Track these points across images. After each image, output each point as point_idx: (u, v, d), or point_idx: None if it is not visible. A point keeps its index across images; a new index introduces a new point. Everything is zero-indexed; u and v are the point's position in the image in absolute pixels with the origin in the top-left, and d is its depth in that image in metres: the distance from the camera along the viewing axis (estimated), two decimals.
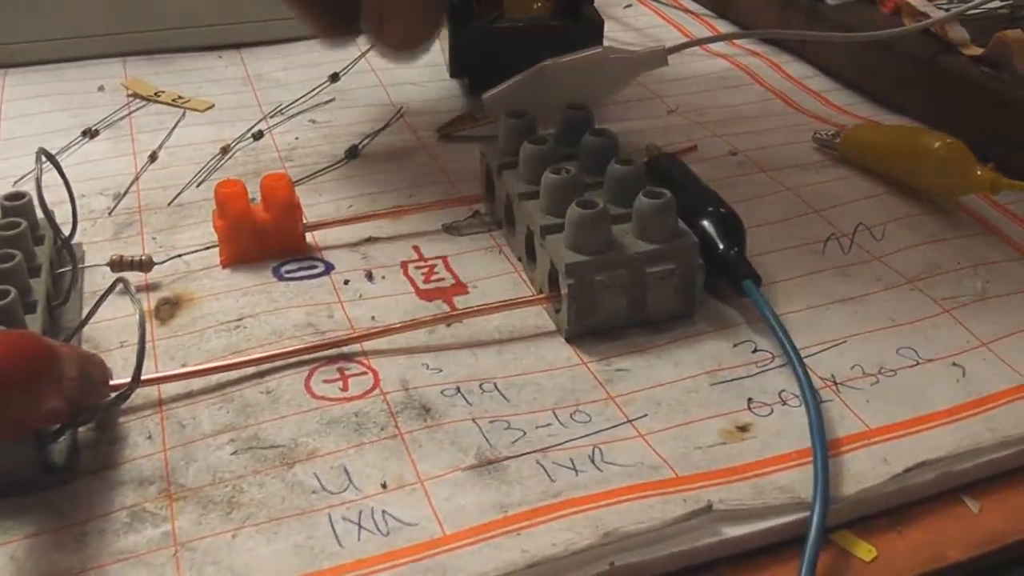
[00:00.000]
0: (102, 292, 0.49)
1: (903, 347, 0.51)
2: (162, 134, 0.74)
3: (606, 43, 0.77)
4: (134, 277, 0.56)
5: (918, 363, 0.50)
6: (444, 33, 0.77)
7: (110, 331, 0.53)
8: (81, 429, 0.46)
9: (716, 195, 0.56)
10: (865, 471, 0.44)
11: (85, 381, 0.44)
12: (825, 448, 0.43)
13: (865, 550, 0.42)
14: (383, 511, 0.42)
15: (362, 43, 0.83)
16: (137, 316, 0.45)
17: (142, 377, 0.46)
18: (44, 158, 0.53)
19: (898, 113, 0.75)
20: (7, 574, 0.40)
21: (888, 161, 0.64)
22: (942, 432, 0.46)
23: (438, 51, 0.83)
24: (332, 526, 0.42)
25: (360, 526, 0.41)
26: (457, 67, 0.77)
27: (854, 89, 0.80)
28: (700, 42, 0.82)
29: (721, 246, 0.53)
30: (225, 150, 0.71)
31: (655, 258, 0.50)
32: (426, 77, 0.83)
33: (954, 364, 0.50)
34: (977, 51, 0.71)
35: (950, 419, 0.46)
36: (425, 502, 0.42)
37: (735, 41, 0.89)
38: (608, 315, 0.51)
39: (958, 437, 0.45)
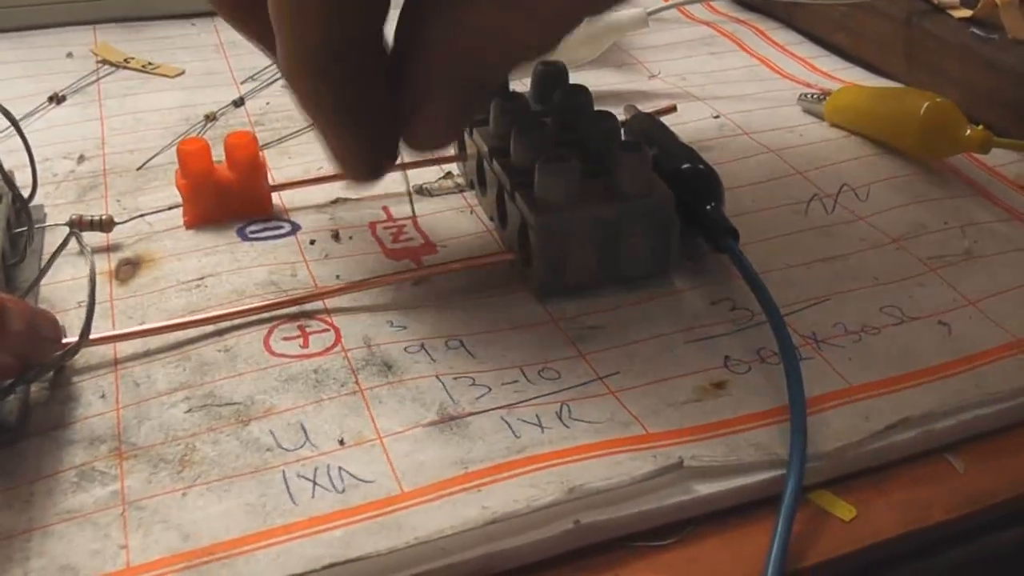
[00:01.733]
0: (62, 253, 0.47)
1: (887, 305, 0.49)
2: (130, 100, 0.72)
3: None
4: (95, 237, 0.55)
5: (903, 321, 0.48)
6: None
7: (68, 291, 0.51)
8: (33, 388, 0.44)
9: (693, 152, 0.55)
10: (845, 428, 0.42)
11: (33, 336, 0.42)
12: (803, 403, 0.42)
13: (844, 509, 0.40)
14: (339, 468, 0.40)
15: None
16: (88, 270, 0.43)
17: (98, 335, 0.45)
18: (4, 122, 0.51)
19: (886, 77, 0.73)
20: None
21: (876, 122, 0.62)
22: (926, 389, 0.44)
23: None
24: (286, 483, 0.40)
25: (315, 483, 0.40)
26: None
27: (841, 54, 0.78)
28: (680, 3, 0.80)
29: (699, 202, 0.51)
30: (210, 117, 0.69)
31: (629, 213, 0.49)
32: None
33: (940, 323, 0.48)
34: (966, 13, 0.69)
35: (935, 377, 0.45)
36: (383, 459, 0.41)
37: (719, 8, 0.87)
38: (580, 272, 0.49)
39: (943, 394, 0.44)
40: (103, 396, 0.45)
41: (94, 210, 0.58)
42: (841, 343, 0.47)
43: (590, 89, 0.56)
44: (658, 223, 0.49)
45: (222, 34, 0.84)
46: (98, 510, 0.39)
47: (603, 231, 0.48)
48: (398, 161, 0.47)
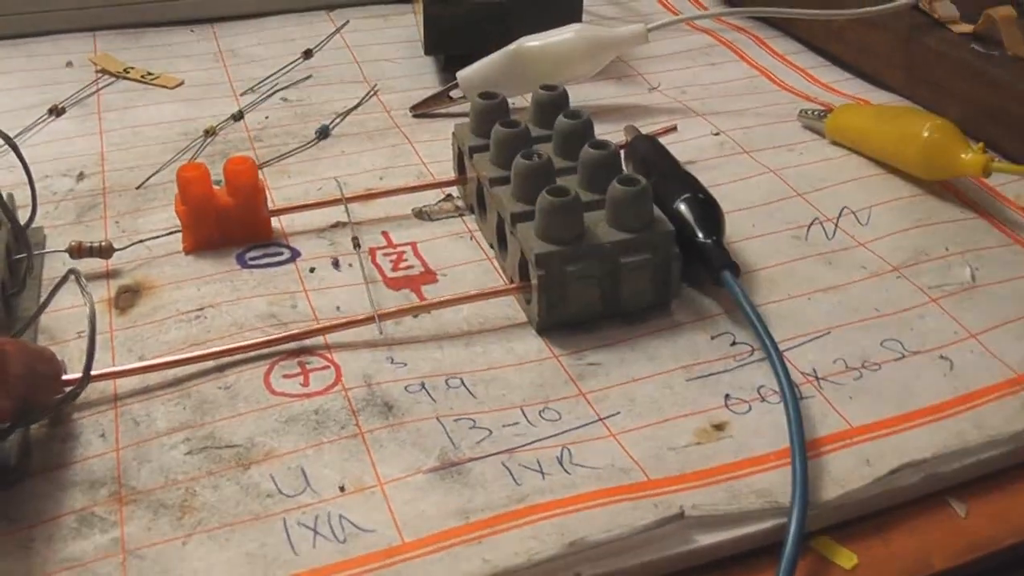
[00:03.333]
0: (59, 279, 0.47)
1: (888, 339, 0.49)
2: (129, 112, 0.72)
3: (585, 18, 0.75)
4: (94, 264, 0.55)
5: (904, 356, 0.48)
6: (421, 9, 0.74)
7: (68, 321, 0.51)
8: (32, 427, 0.44)
9: (694, 180, 0.55)
10: (847, 473, 0.42)
11: (33, 378, 0.42)
12: (804, 450, 0.41)
13: (846, 557, 0.40)
14: (340, 516, 0.40)
15: (335, 17, 0.81)
16: (88, 311, 0.43)
17: (96, 372, 0.45)
18: (2, 141, 0.51)
19: (885, 91, 0.73)
20: None
21: (877, 142, 0.62)
22: (928, 431, 0.44)
23: (414, 27, 0.81)
24: (287, 532, 0.40)
25: (316, 532, 0.40)
26: (431, 43, 0.75)
27: (841, 66, 0.78)
28: (682, 20, 0.80)
29: (699, 234, 0.51)
30: (209, 132, 0.68)
31: (629, 247, 0.48)
32: (401, 53, 0.81)
33: (941, 357, 0.48)
34: (966, 28, 0.69)
35: (936, 416, 0.45)
36: (384, 507, 0.40)
37: (720, 17, 0.86)
38: (580, 307, 0.49)
39: (944, 436, 0.44)
40: (103, 435, 0.44)
41: (93, 232, 0.58)
42: (842, 380, 0.47)
43: (590, 103, 0.56)
44: (659, 257, 0.49)
45: (221, 41, 0.83)
46: (98, 558, 0.39)
47: (604, 266, 0.48)
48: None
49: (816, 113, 0.66)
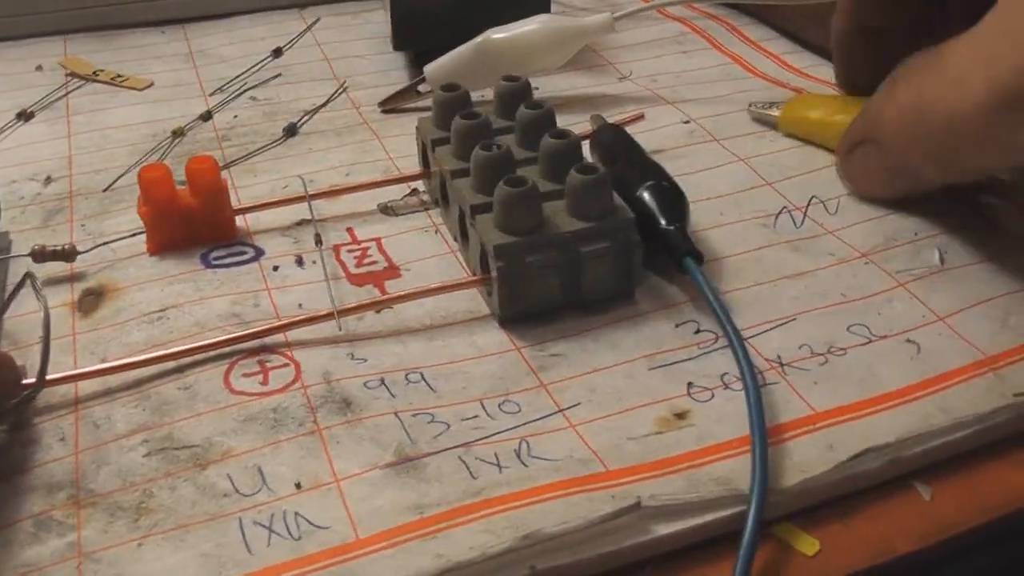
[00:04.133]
0: (19, 283, 0.46)
1: (855, 324, 0.49)
2: (98, 115, 0.72)
3: (555, 8, 0.74)
4: (58, 267, 0.54)
5: (870, 340, 0.48)
6: (388, 3, 0.74)
7: (31, 325, 0.50)
8: None
9: (658, 167, 0.54)
10: (809, 459, 0.41)
11: None
12: (764, 436, 0.41)
13: (808, 543, 0.40)
14: (296, 513, 0.40)
15: (306, 16, 0.81)
16: (42, 314, 0.43)
17: (56, 375, 0.45)
18: None
19: None
20: None
21: (831, 135, 0.61)
22: (892, 415, 0.44)
23: (385, 23, 0.80)
24: (242, 531, 0.39)
25: (271, 530, 0.39)
26: (400, 39, 0.75)
27: (815, 51, 0.77)
28: (652, 7, 0.80)
29: (661, 221, 0.51)
30: (177, 132, 0.68)
31: (589, 236, 0.48)
32: (372, 50, 0.81)
33: (908, 340, 0.48)
34: None
35: (901, 400, 0.44)
36: (340, 503, 0.40)
37: (692, 4, 0.86)
38: (541, 297, 0.48)
39: (909, 420, 0.43)
40: (63, 439, 0.44)
41: (60, 235, 0.57)
42: (807, 366, 0.46)
43: (559, 94, 0.55)
44: (619, 246, 0.49)
45: (192, 42, 0.83)
46: (54, 563, 0.39)
47: (564, 256, 0.48)
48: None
49: (767, 105, 0.66)
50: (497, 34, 0.67)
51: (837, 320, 0.49)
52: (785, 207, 0.57)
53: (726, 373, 0.46)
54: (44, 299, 0.44)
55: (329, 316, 0.49)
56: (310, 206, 0.58)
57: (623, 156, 0.56)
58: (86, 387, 0.47)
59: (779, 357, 0.47)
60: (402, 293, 0.50)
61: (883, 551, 0.40)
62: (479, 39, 0.67)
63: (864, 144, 0.55)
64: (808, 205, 0.57)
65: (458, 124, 0.53)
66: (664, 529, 0.39)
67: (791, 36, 0.80)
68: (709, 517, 0.40)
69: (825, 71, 0.73)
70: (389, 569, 0.37)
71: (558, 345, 0.48)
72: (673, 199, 0.52)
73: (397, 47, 0.76)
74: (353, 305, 0.50)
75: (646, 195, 0.52)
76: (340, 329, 0.49)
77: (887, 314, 0.49)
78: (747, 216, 0.57)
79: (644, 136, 0.61)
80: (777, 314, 0.49)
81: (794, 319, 0.49)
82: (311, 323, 0.49)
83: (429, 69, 0.69)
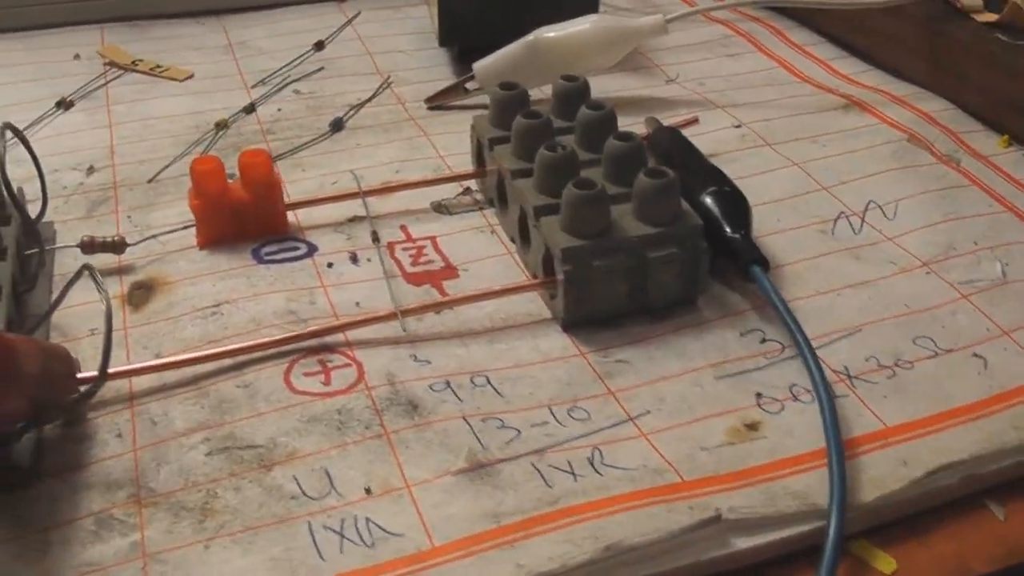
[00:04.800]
0: (72, 275, 0.45)
1: (920, 336, 0.48)
2: (139, 105, 0.71)
3: (601, 9, 0.74)
4: (106, 259, 0.53)
5: (937, 354, 0.47)
6: None
7: (80, 317, 0.50)
8: (48, 427, 0.43)
9: (719, 172, 0.54)
10: (884, 475, 0.41)
11: (48, 377, 0.41)
12: (842, 452, 0.40)
13: (885, 562, 0.39)
14: (367, 519, 0.39)
15: (345, 8, 0.80)
16: (104, 307, 0.42)
17: (112, 370, 0.44)
18: (11, 133, 0.49)
19: (907, 82, 0.71)
20: None
21: None
22: (965, 431, 0.43)
23: (427, 18, 0.80)
24: (312, 536, 0.39)
25: (343, 536, 0.39)
26: (446, 34, 0.74)
27: (861, 57, 0.76)
28: (702, 10, 0.79)
29: (727, 228, 0.50)
30: (221, 125, 0.67)
31: (657, 242, 0.47)
32: (414, 45, 0.80)
33: (975, 355, 0.47)
34: (991, 17, 0.68)
35: (972, 416, 0.44)
36: (412, 510, 0.39)
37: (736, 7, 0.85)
38: (607, 302, 0.48)
39: (982, 437, 0.42)
40: (119, 435, 0.43)
41: (104, 226, 0.57)
42: (875, 379, 0.46)
43: (608, 95, 0.55)
44: (687, 251, 0.48)
45: (230, 34, 0.82)
46: (118, 563, 0.38)
47: (631, 261, 0.47)
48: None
49: None
50: (548, 33, 0.67)
51: (902, 332, 0.48)
52: (843, 212, 0.57)
53: (795, 384, 0.45)
54: (106, 293, 0.43)
55: (392, 316, 0.48)
56: (365, 203, 0.57)
57: (680, 160, 0.56)
58: (140, 382, 0.46)
59: (846, 369, 0.46)
60: (465, 295, 0.50)
61: (959, 571, 0.39)
62: (530, 37, 0.67)
63: None
64: (866, 210, 0.57)
65: (520, 123, 0.53)
66: (743, 543, 0.39)
67: (835, 40, 0.79)
68: (788, 532, 0.39)
69: (873, 77, 0.73)
70: None
71: (623, 351, 0.47)
72: (736, 205, 0.51)
73: (443, 43, 0.75)
74: (416, 306, 0.49)
75: (709, 200, 0.51)
76: (404, 330, 0.48)
77: (951, 327, 0.49)
78: (805, 222, 0.56)
79: (697, 140, 0.60)
80: (842, 325, 0.49)
81: (859, 330, 0.49)
82: (373, 323, 0.48)
83: (478, 67, 0.68)
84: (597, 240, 0.47)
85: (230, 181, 0.54)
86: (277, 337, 0.47)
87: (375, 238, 0.54)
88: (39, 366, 0.40)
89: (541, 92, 0.63)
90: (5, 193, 0.49)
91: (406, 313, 0.48)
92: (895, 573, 0.39)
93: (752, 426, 0.43)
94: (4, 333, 0.39)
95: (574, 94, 0.56)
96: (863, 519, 0.40)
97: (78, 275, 0.45)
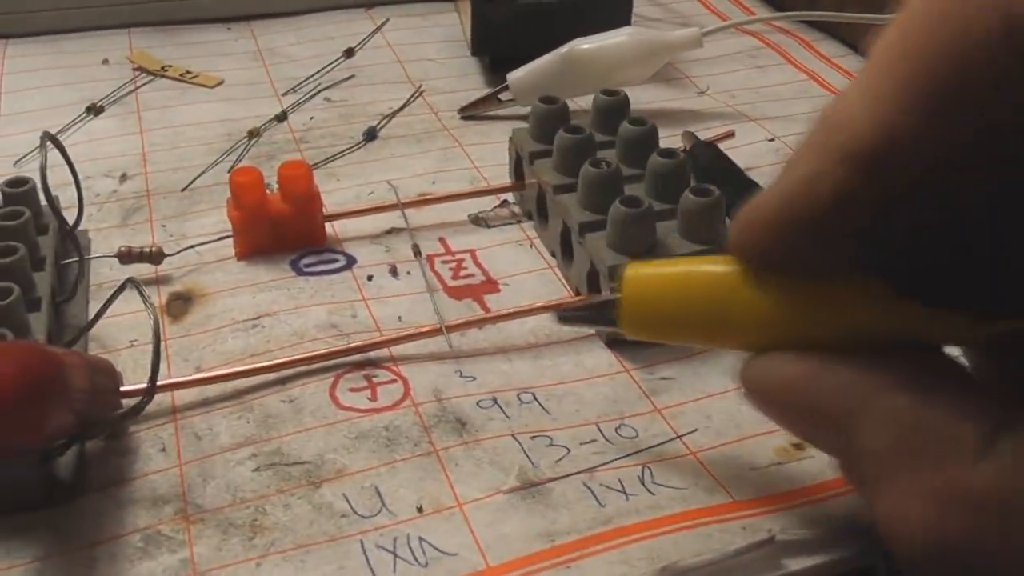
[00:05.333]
0: (109, 284, 0.46)
1: None
2: (169, 112, 0.71)
3: (633, 21, 0.73)
4: (144, 269, 0.53)
5: None
6: (466, 8, 0.73)
7: (119, 329, 0.50)
8: (89, 441, 0.43)
9: (760, 188, 0.53)
10: None
11: (94, 392, 0.41)
12: None
13: None
14: (420, 538, 0.39)
15: (374, 15, 0.80)
16: (151, 321, 0.41)
17: (160, 383, 0.43)
18: (48, 142, 0.49)
19: None
20: None
21: None
22: None
23: (456, 26, 0.79)
24: (365, 555, 0.38)
25: (396, 555, 0.38)
26: (479, 44, 0.74)
27: None
28: (736, 24, 0.79)
29: None
30: (253, 133, 0.67)
31: None
32: (444, 53, 0.80)
33: None
34: None
35: None
36: (465, 528, 0.39)
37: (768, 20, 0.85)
38: None
39: None
40: (163, 450, 0.43)
41: (139, 235, 0.57)
42: None
43: (640, 107, 0.54)
44: None
45: (259, 40, 0.82)
46: None
47: None
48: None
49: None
50: (584, 44, 0.67)
51: None
52: None
53: None
54: (152, 307, 0.42)
55: (436, 331, 0.48)
56: (404, 215, 0.57)
57: (720, 175, 0.55)
58: (183, 396, 0.46)
59: None
60: (511, 311, 0.49)
61: None
62: (564, 49, 0.67)
63: None
64: None
65: (563, 139, 0.53)
66: (796, 565, 0.38)
67: (863, 53, 0.79)
68: (840, 554, 0.39)
69: None
70: None
71: (668, 368, 0.47)
72: None
73: (475, 52, 0.75)
74: (461, 321, 0.49)
75: None
76: (450, 346, 0.48)
77: None
78: None
79: (732, 153, 0.60)
80: None
81: None
82: (418, 338, 0.48)
83: (512, 77, 0.68)
84: (643, 258, 0.46)
85: (268, 193, 0.54)
86: (323, 351, 0.47)
87: (416, 251, 0.54)
88: (86, 380, 0.40)
89: (573, 103, 0.63)
90: (45, 202, 0.49)
91: (451, 329, 0.48)
92: None
93: (798, 446, 0.43)
94: (51, 347, 0.38)
95: (614, 108, 0.56)
96: None
97: (122, 287, 0.45)
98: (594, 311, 0.39)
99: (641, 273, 0.36)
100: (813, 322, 0.33)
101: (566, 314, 0.41)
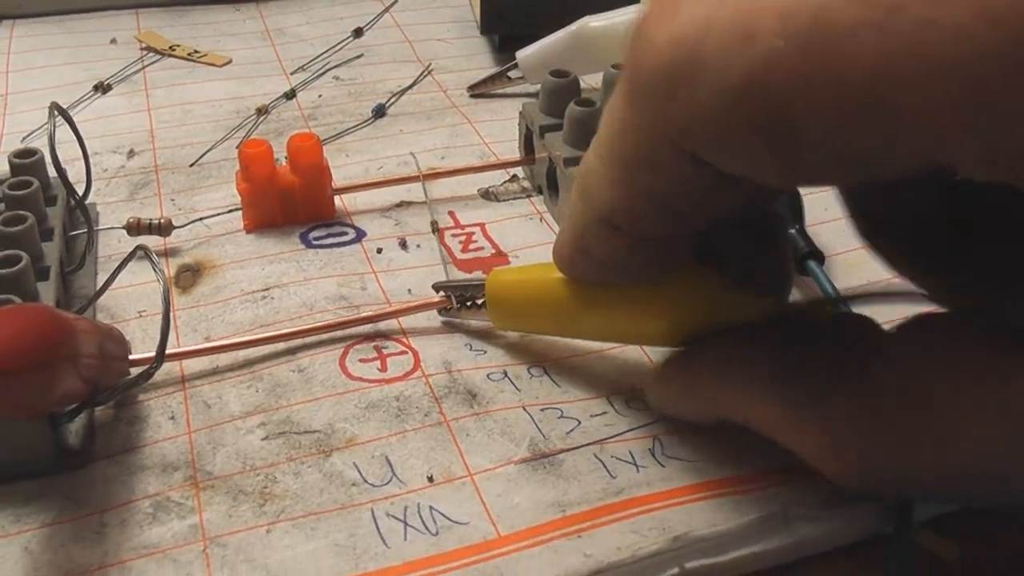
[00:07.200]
0: (117, 256, 0.46)
1: None
2: (177, 90, 0.70)
3: None
4: (152, 241, 0.53)
5: None
6: None
7: (127, 299, 0.50)
8: (98, 408, 0.42)
9: None
10: None
11: (104, 358, 0.40)
12: None
13: (948, 549, 0.38)
14: (431, 507, 0.39)
15: None
16: (161, 289, 0.41)
17: (170, 351, 0.43)
18: (56, 113, 0.49)
19: None
20: (21, 567, 0.36)
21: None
22: None
23: (465, 6, 0.79)
24: (376, 523, 0.38)
25: (406, 523, 0.38)
26: (489, 23, 0.74)
27: None
28: None
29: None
30: (261, 110, 0.67)
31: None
32: (453, 33, 0.79)
33: None
34: None
35: None
36: (476, 498, 0.39)
37: None
38: None
39: None
40: (172, 417, 0.43)
41: (147, 209, 0.56)
42: None
43: None
44: None
45: (267, 20, 0.82)
46: (177, 545, 0.38)
47: None
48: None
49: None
50: (593, 22, 0.66)
51: None
52: None
53: None
54: (162, 273, 0.42)
55: (446, 303, 0.47)
56: (424, 187, 0.57)
57: None
58: (192, 365, 0.46)
59: None
60: None
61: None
62: (574, 27, 0.66)
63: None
64: None
65: (573, 111, 0.52)
66: (810, 532, 0.38)
67: None
68: (853, 522, 0.39)
69: None
70: (537, 568, 0.36)
71: None
72: (790, 198, 0.51)
73: (484, 31, 0.75)
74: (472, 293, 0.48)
75: None
76: (462, 321, 0.48)
77: None
78: None
79: None
80: (895, 315, 0.48)
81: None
82: (428, 308, 0.48)
83: (521, 55, 0.68)
84: None
85: (278, 165, 0.54)
86: (333, 321, 0.47)
87: (434, 227, 0.54)
88: (96, 346, 0.40)
89: (583, 82, 0.63)
90: (55, 173, 0.49)
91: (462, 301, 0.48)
92: (959, 560, 0.38)
93: None
94: (63, 313, 0.38)
95: None
96: (926, 507, 0.39)
97: (132, 255, 0.45)
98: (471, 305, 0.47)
99: (500, 279, 0.45)
100: (615, 316, 0.42)
101: (445, 316, 0.49)
